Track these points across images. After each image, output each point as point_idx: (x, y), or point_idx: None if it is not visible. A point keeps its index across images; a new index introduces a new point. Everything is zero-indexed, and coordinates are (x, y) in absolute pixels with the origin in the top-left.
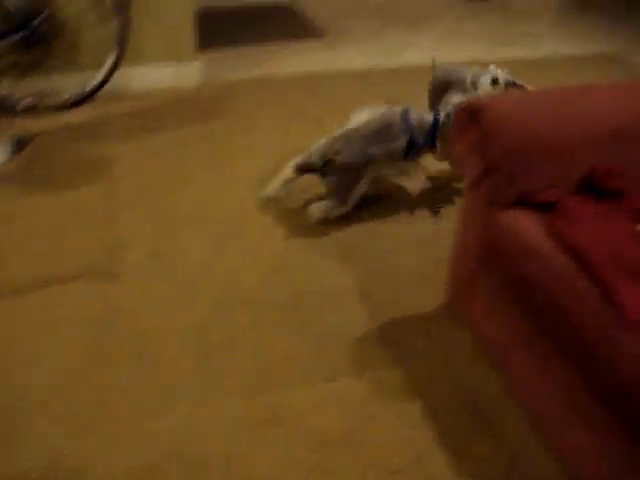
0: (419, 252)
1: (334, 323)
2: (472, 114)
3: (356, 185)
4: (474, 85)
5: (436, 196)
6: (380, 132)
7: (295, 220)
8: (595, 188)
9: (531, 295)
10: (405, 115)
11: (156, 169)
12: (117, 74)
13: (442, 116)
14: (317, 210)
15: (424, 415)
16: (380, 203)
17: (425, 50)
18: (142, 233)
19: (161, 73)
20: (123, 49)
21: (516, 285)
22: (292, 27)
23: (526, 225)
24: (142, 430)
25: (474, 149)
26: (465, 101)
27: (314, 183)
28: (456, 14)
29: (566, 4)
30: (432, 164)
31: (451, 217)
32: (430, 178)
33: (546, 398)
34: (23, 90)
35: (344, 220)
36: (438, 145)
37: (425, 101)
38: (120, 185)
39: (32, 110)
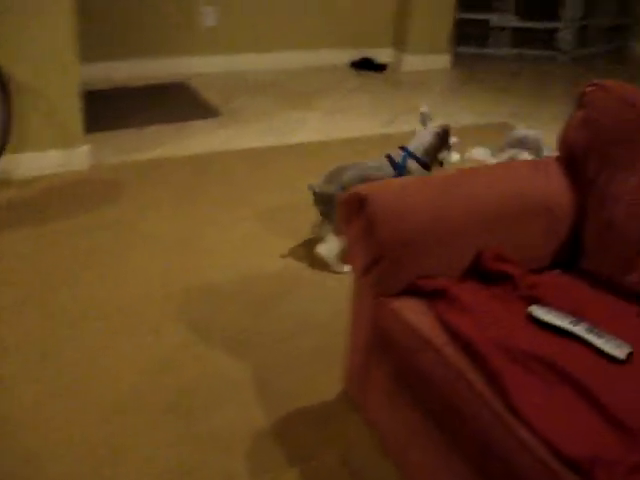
0: (319, 335)
1: (226, 423)
2: (357, 203)
3: None
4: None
5: None
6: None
7: (187, 313)
8: (484, 272)
9: (422, 386)
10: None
11: (44, 263)
12: (1, 161)
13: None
14: (327, 250)
15: None
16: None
17: (315, 128)
18: (29, 334)
19: (49, 159)
20: (6, 137)
21: (407, 376)
22: (186, 106)
23: (414, 314)
24: None
25: (360, 238)
26: (349, 190)
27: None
28: (347, 88)
29: (454, 77)
30: None
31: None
32: None
33: None
34: None
35: (236, 304)
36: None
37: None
38: (5, 281)
39: None
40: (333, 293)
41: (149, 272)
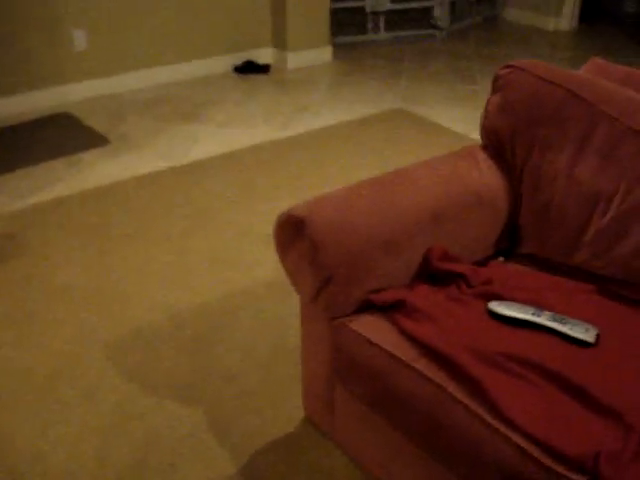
0: (267, 365)
1: (193, 478)
2: (295, 226)
3: None
4: None
5: None
6: None
7: (122, 367)
8: (434, 273)
9: (400, 405)
10: None
11: None
12: None
13: None
14: None
15: None
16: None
17: (211, 142)
18: None
19: None
20: None
21: (381, 397)
22: (72, 137)
23: (377, 333)
24: None
25: (305, 262)
26: (282, 215)
27: None
28: (235, 95)
29: (338, 69)
30: None
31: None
32: None
33: None
34: None
35: (174, 347)
36: None
37: (225, 196)
38: None
39: None
40: (272, 318)
41: (70, 329)
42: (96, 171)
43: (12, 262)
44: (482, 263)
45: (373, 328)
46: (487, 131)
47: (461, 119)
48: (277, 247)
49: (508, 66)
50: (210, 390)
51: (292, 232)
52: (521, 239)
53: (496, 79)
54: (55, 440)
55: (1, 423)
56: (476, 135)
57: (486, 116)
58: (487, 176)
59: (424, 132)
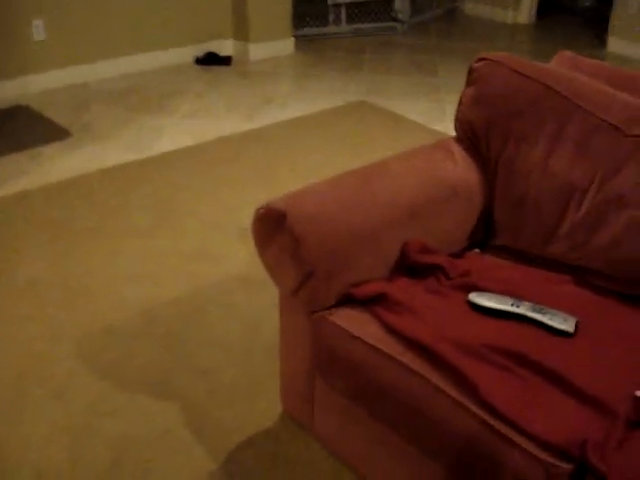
0: (241, 359)
1: (172, 477)
2: (275, 220)
3: None
4: None
5: None
6: None
7: (94, 364)
8: (412, 266)
9: (385, 399)
10: None
11: None
12: None
13: None
14: None
15: None
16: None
17: (176, 134)
18: None
19: None
20: None
21: (365, 391)
22: (33, 130)
23: (360, 326)
24: None
25: (286, 257)
26: (261, 208)
27: None
28: (199, 87)
29: (301, 61)
30: None
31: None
32: None
33: None
34: None
35: (146, 343)
36: None
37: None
38: None
39: None
40: (244, 312)
41: (38, 325)
42: (59, 164)
43: None
44: (458, 255)
45: (354, 321)
46: (461, 123)
47: (423, 111)
48: (256, 241)
49: (482, 59)
50: (184, 386)
51: (272, 226)
52: (496, 231)
53: (470, 72)
54: (26, 440)
55: None
56: (438, 126)
57: (460, 109)
58: (462, 169)
59: (388, 124)
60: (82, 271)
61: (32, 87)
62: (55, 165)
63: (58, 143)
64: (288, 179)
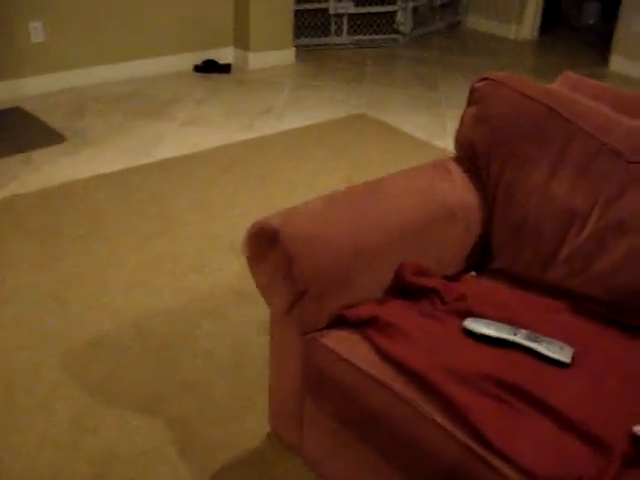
0: (230, 380)
1: None
2: (268, 238)
3: None
4: None
5: None
6: None
7: (82, 378)
8: (406, 288)
9: (375, 425)
10: None
11: None
12: None
13: None
14: None
15: None
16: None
17: (173, 141)
18: None
19: None
20: None
21: (354, 416)
22: (26, 134)
23: (351, 350)
24: None
25: (278, 275)
26: (255, 225)
27: None
28: (198, 94)
29: (301, 71)
30: None
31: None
32: None
33: None
34: None
35: (136, 356)
36: None
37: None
38: None
39: None
40: (236, 326)
41: (25, 334)
42: (52, 168)
43: None
44: (454, 278)
45: (345, 344)
46: (462, 144)
47: (423, 126)
48: (248, 258)
49: (484, 78)
50: (172, 401)
51: (265, 244)
52: (494, 254)
53: (472, 91)
54: (16, 450)
55: None
56: (438, 141)
57: (461, 129)
58: (461, 190)
59: (387, 138)
60: (72, 279)
61: (29, 90)
62: (48, 170)
63: (52, 147)
64: (284, 190)
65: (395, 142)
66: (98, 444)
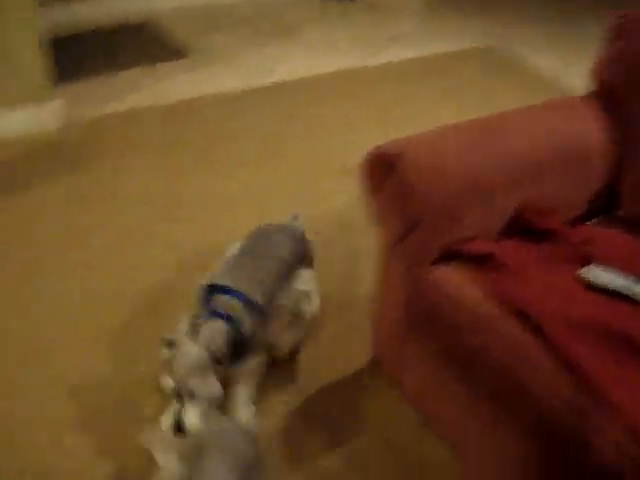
0: (334, 308)
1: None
2: (387, 165)
3: None
4: None
5: None
6: None
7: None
8: (526, 229)
9: (474, 363)
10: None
11: (20, 242)
12: None
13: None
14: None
15: None
16: None
17: (298, 63)
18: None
19: (12, 118)
20: None
21: (458, 354)
22: (153, 47)
23: (461, 286)
24: None
25: (393, 204)
26: (373, 151)
27: None
28: (323, 19)
29: (428, 1)
30: None
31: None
32: None
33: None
34: None
35: None
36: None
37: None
38: None
39: None
40: (342, 254)
41: (142, 238)
42: (174, 84)
43: (84, 171)
44: (577, 222)
45: (456, 280)
46: (598, 81)
47: (556, 64)
48: (364, 185)
49: (624, 15)
50: None
51: (383, 171)
52: (621, 200)
53: (611, 29)
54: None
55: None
56: (571, 81)
57: (597, 67)
58: (592, 130)
59: (515, 73)
60: (189, 192)
61: (157, 4)
62: (170, 85)
63: (176, 62)
64: (401, 121)
65: (523, 79)
66: None
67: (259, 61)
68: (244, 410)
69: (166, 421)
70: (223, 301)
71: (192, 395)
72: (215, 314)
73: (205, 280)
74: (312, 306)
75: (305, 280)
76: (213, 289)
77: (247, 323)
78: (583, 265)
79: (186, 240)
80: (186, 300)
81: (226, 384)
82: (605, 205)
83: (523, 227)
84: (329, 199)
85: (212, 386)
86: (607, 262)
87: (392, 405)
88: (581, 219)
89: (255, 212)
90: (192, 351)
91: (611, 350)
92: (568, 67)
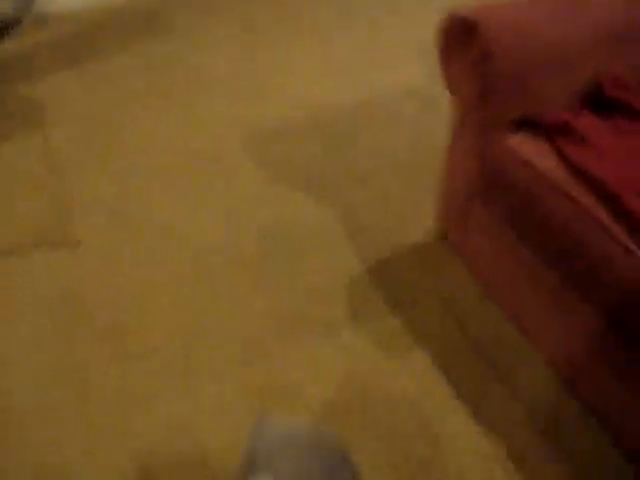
0: (400, 176)
1: (318, 269)
2: (465, 30)
3: None
4: None
5: None
6: None
7: (264, 157)
8: (603, 100)
9: (541, 229)
10: None
11: (98, 107)
12: None
13: None
14: None
15: (434, 365)
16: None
17: None
18: (95, 190)
19: None
20: None
21: (524, 218)
22: None
23: (535, 153)
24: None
25: (470, 70)
26: (451, 16)
27: None
28: None
29: None
30: None
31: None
32: None
33: (564, 339)
34: None
35: (312, 144)
36: None
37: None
38: (59, 132)
39: None
40: (412, 125)
41: (216, 113)
42: None
43: (158, 39)
44: None
45: (529, 147)
46: None
47: None
48: (439, 50)
49: None
50: (343, 189)
51: (461, 36)
52: None
53: None
54: (190, 214)
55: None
56: None
57: None
58: None
59: None
60: (260, 70)
61: None
62: None
63: None
64: None
65: None
66: (269, 217)
67: None
68: None
69: None
70: None
71: None
72: None
73: None
74: None
75: None
76: None
77: None
78: None
79: (249, 118)
80: None
81: None
82: None
83: (600, 100)
84: (403, 73)
85: None
86: None
87: (451, 272)
88: None
89: (323, 87)
90: None
91: None
92: None
